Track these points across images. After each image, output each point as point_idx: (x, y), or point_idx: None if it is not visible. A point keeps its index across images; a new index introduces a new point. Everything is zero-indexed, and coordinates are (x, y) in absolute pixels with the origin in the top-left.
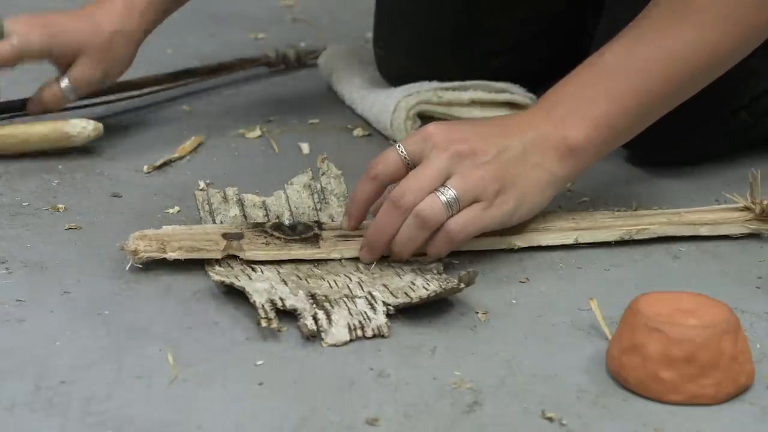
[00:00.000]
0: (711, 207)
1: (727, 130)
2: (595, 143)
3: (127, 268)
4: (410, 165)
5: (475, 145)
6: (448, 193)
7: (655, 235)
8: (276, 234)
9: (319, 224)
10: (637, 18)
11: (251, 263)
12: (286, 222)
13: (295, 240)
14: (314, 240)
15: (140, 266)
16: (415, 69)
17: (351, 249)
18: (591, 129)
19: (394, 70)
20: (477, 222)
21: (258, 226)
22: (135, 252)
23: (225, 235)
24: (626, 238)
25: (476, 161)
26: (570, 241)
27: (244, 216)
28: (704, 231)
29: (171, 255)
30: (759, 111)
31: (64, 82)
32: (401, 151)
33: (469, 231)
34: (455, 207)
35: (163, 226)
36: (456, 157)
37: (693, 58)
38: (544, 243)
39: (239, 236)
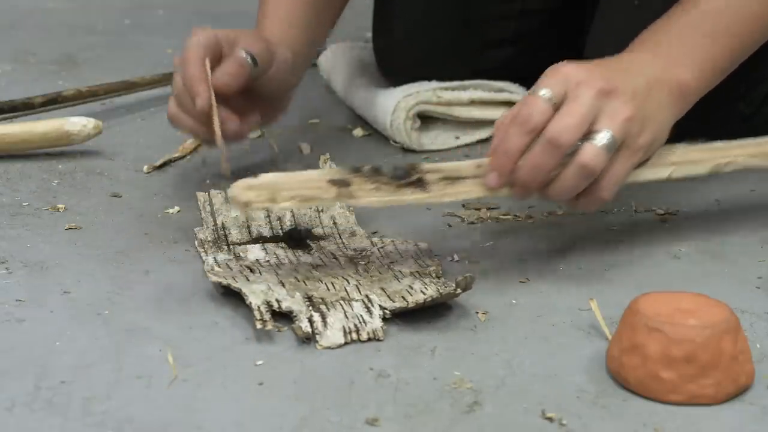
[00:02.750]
0: None
1: (725, 121)
2: (700, 84)
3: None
4: (555, 106)
5: (616, 83)
6: (605, 137)
7: (741, 167)
8: (380, 179)
9: (415, 167)
10: None
11: (249, 265)
12: (288, 224)
13: (403, 185)
14: (421, 184)
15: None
16: (415, 62)
17: (461, 192)
18: (698, 71)
19: (394, 65)
20: (625, 175)
21: (357, 171)
22: (247, 204)
23: (332, 182)
24: (716, 171)
25: (621, 100)
26: (664, 176)
27: (246, 217)
28: None
29: (283, 205)
30: (756, 100)
31: (239, 52)
32: (547, 96)
33: (619, 186)
34: (613, 149)
35: (261, 174)
36: (603, 95)
37: None
38: (641, 179)
39: (347, 183)
